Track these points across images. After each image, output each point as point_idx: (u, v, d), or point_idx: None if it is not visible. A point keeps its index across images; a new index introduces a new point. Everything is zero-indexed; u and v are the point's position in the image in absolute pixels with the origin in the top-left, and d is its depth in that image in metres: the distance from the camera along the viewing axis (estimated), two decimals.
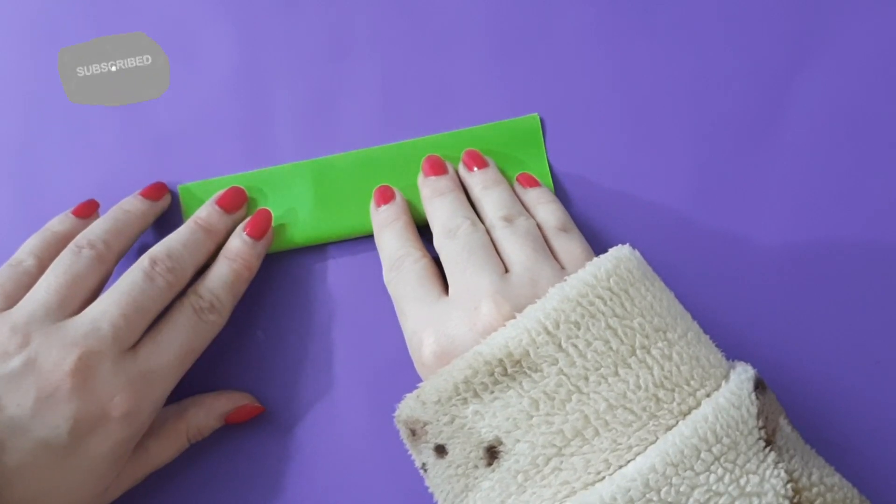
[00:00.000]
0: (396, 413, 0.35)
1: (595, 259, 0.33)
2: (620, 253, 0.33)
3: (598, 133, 0.42)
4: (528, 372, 0.31)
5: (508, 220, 0.37)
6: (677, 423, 0.30)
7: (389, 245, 0.38)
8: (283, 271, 0.42)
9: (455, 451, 0.32)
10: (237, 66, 0.44)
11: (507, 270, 0.35)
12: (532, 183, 0.40)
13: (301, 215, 0.41)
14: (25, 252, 0.38)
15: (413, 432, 0.34)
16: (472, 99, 0.43)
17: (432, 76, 0.43)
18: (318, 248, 0.42)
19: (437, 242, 0.37)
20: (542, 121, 0.42)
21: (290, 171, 0.42)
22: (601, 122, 0.42)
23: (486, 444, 0.31)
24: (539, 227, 0.38)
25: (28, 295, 0.36)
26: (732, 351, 0.39)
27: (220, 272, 0.39)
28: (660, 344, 0.31)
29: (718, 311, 0.40)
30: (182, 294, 0.38)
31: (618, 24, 0.43)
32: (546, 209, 0.39)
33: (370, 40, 0.44)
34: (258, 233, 0.40)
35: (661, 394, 0.30)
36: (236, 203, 0.41)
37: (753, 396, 0.31)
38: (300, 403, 0.41)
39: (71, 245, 0.37)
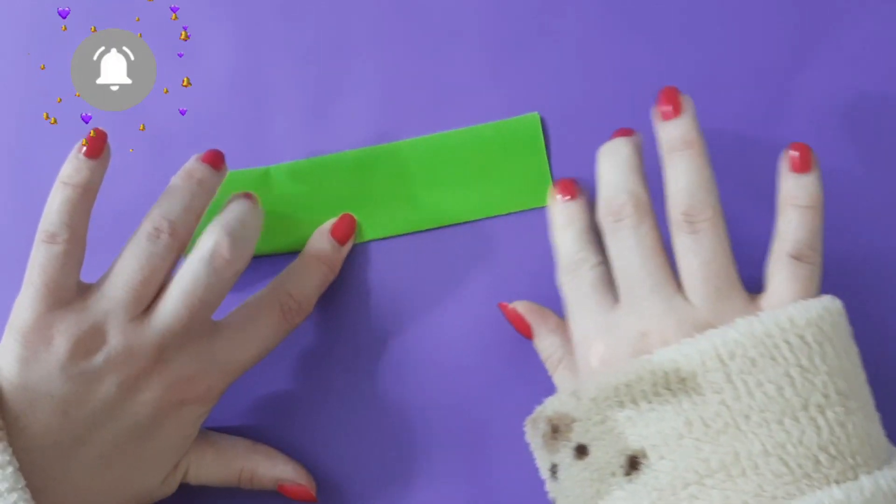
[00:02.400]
0: (539, 409, 0.35)
1: (803, 302, 0.32)
2: (832, 305, 0.32)
3: (599, 133, 0.40)
4: (690, 392, 0.30)
5: (691, 221, 0.33)
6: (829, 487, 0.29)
7: (568, 246, 0.37)
8: (282, 270, 0.41)
9: (597, 453, 0.32)
10: (237, 65, 0.43)
11: (680, 286, 0.33)
12: (804, 167, 0.34)
13: (303, 215, 0.41)
14: (53, 221, 0.35)
15: (555, 429, 0.33)
16: (473, 98, 0.42)
17: (432, 75, 0.43)
18: None
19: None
20: (542, 120, 0.41)
21: (292, 169, 0.42)
22: (602, 121, 0.41)
23: (630, 453, 0.31)
24: (776, 237, 0.34)
25: (106, 289, 0.35)
26: None
27: (312, 275, 0.39)
28: (837, 409, 0.30)
29: None
30: (271, 288, 0.38)
31: (618, 23, 0.42)
32: (796, 218, 0.33)
33: (370, 40, 0.43)
34: (344, 237, 0.40)
35: (822, 457, 0.29)
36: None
37: None
38: (300, 404, 0.41)
39: (149, 227, 0.35)
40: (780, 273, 0.33)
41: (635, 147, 0.36)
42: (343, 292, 0.41)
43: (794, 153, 0.34)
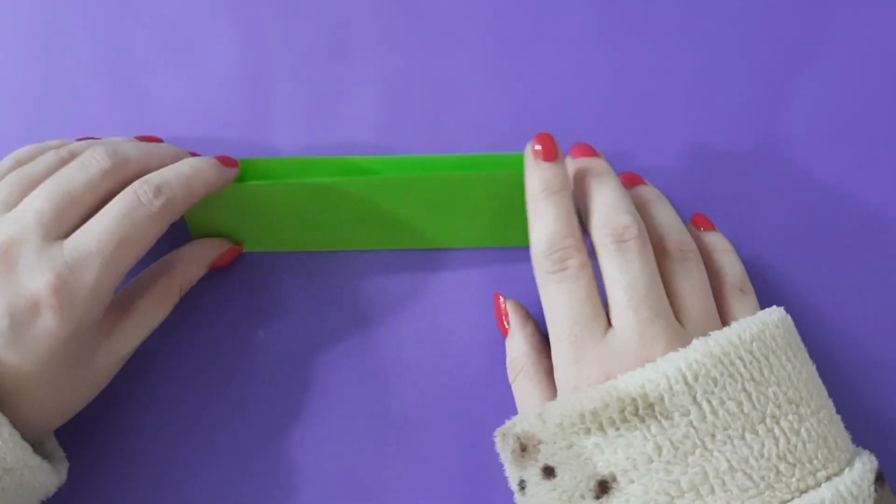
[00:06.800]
0: (508, 425, 0.34)
1: (741, 320, 0.33)
2: (769, 318, 0.33)
3: (600, 134, 0.42)
4: (658, 417, 0.30)
5: (683, 253, 0.35)
6: (792, 499, 0.30)
7: (555, 225, 0.33)
8: (282, 270, 0.42)
9: (564, 476, 0.31)
10: (238, 66, 0.43)
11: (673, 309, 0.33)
12: (709, 226, 0.39)
13: (305, 227, 0.40)
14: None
15: (523, 447, 0.33)
16: (475, 100, 0.42)
17: (434, 76, 0.43)
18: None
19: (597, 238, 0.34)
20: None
21: (300, 186, 0.39)
22: (604, 123, 0.42)
23: (599, 478, 0.31)
24: (717, 276, 0.36)
25: None
26: None
27: (178, 167, 0.36)
28: (790, 417, 0.31)
29: None
30: None
31: (622, 27, 0.43)
32: (728, 259, 0.37)
33: (372, 40, 0.43)
34: (228, 162, 0.38)
35: (782, 466, 0.30)
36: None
37: (873, 489, 0.31)
38: (300, 403, 0.40)
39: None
40: (737, 304, 0.35)
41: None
42: (344, 286, 0.41)
43: (698, 220, 0.39)
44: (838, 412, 0.34)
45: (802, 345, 0.34)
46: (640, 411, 0.30)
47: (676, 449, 0.30)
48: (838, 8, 0.43)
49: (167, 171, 0.36)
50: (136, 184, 0.35)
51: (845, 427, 0.34)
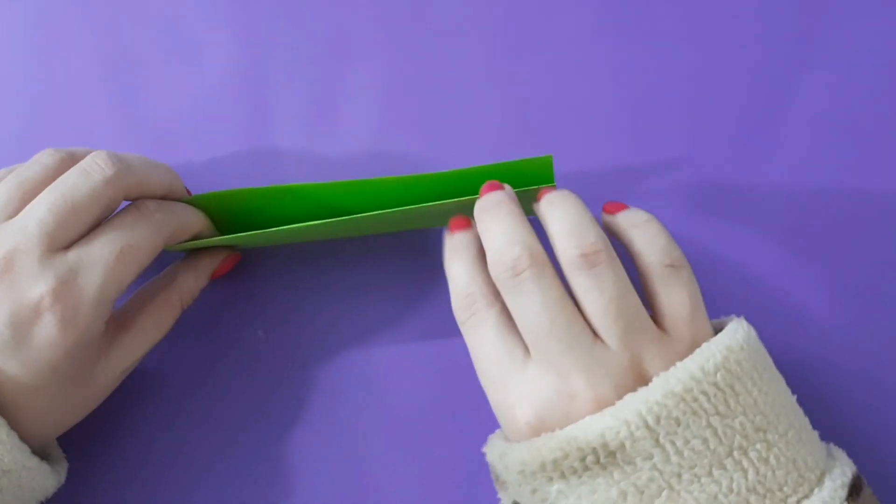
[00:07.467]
0: (486, 447, 0.34)
1: (704, 346, 0.31)
2: (733, 341, 0.31)
3: (599, 134, 0.41)
4: (620, 464, 0.30)
5: (587, 258, 0.32)
6: None
7: (460, 276, 0.34)
8: (283, 269, 0.41)
9: None
10: (237, 66, 0.43)
11: (592, 331, 0.32)
12: (620, 207, 0.35)
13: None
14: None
15: (496, 477, 0.33)
16: (474, 100, 0.42)
17: (433, 77, 0.42)
18: (319, 246, 0.41)
19: (495, 272, 0.33)
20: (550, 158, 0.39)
21: (286, 193, 0.38)
22: (603, 123, 0.42)
23: None
24: (639, 256, 0.34)
25: None
26: None
27: (149, 232, 0.36)
28: (758, 445, 0.30)
29: (728, 310, 0.40)
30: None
31: (621, 27, 0.42)
32: (648, 232, 0.33)
33: (371, 41, 0.43)
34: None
35: (752, 499, 0.30)
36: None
37: None
38: (300, 403, 0.40)
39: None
40: (663, 286, 0.32)
41: (515, 201, 0.34)
42: (344, 286, 0.41)
43: (607, 208, 0.35)
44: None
45: (769, 359, 0.32)
46: (602, 460, 0.30)
47: (642, 493, 0.30)
48: (838, 8, 0.41)
49: (169, 204, 0.37)
50: (138, 202, 0.36)
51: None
